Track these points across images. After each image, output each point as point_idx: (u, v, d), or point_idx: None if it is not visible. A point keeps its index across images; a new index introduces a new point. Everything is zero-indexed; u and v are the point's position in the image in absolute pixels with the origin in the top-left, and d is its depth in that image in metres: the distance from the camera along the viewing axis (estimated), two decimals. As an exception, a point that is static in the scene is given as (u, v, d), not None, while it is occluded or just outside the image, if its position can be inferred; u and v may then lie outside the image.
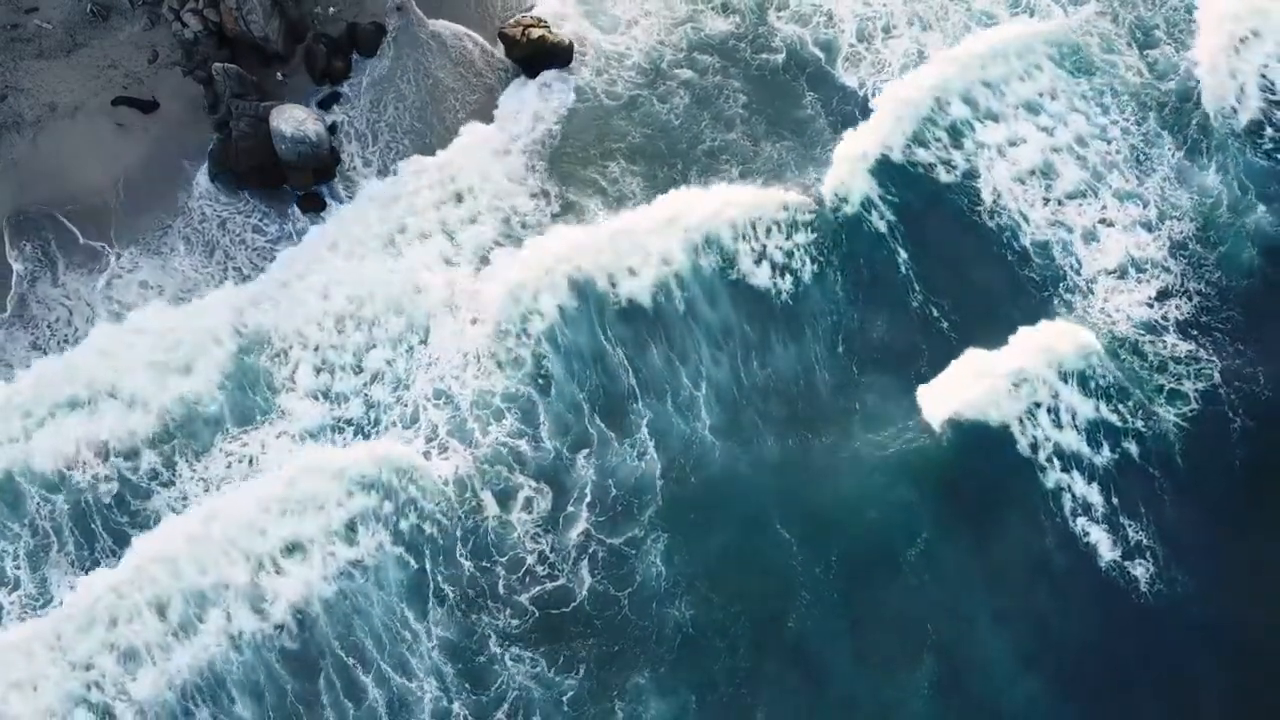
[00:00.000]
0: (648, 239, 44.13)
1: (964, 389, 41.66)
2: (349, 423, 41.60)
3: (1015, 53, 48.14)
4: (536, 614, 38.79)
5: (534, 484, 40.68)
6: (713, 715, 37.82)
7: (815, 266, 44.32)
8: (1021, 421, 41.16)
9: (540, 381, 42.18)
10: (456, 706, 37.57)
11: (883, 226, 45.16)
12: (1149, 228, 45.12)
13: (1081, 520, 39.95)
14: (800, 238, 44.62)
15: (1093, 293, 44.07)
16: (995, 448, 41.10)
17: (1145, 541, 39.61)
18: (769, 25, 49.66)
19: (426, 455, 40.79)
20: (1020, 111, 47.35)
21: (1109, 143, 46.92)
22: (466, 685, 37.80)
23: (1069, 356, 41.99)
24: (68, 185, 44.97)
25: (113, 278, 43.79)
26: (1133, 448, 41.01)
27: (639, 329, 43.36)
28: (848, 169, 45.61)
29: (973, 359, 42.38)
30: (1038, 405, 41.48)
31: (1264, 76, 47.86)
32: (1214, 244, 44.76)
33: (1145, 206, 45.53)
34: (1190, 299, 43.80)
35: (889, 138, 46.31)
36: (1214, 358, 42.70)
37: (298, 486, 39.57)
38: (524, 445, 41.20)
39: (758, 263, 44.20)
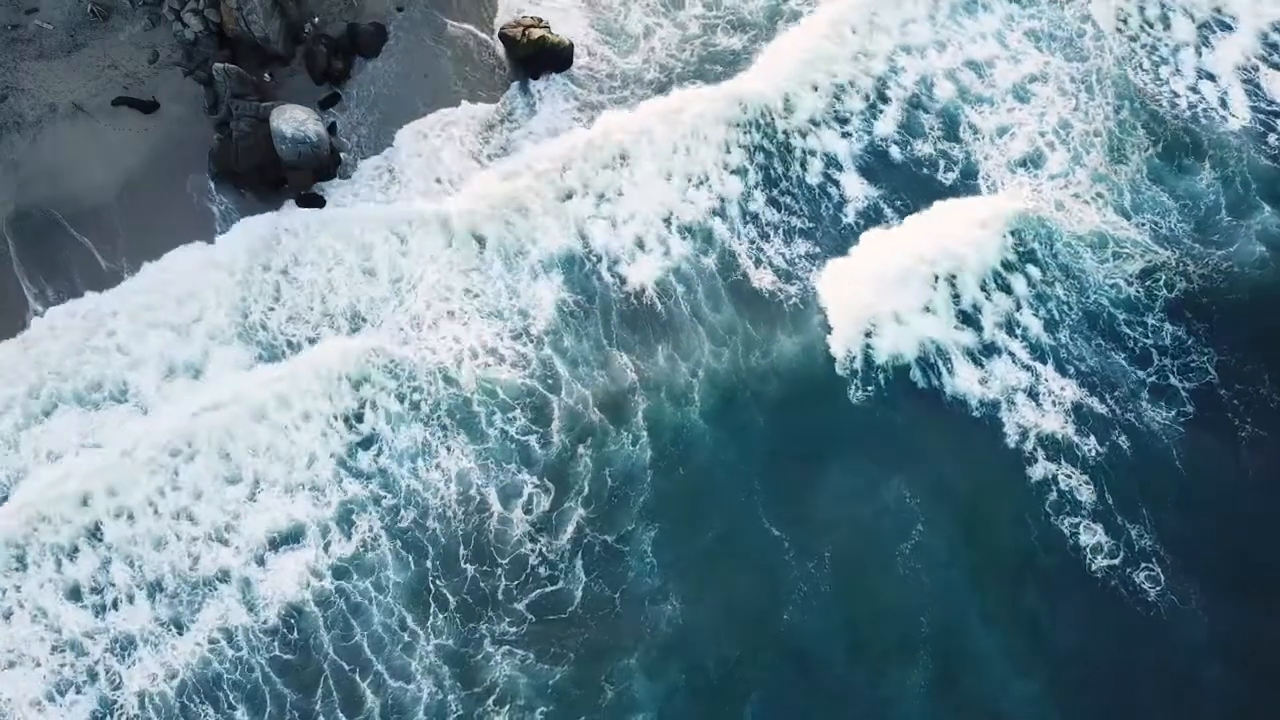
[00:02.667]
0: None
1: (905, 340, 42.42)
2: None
3: None
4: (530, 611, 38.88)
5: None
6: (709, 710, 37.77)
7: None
8: (1008, 404, 41.48)
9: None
10: (452, 702, 37.45)
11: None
12: (1124, 213, 45.36)
13: (1067, 518, 39.90)
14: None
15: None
16: (984, 440, 41.27)
17: (1147, 544, 39.54)
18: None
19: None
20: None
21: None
22: (460, 684, 37.63)
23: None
24: (68, 186, 44.96)
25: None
26: (1122, 440, 41.17)
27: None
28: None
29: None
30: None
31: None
32: (1209, 240, 44.98)
33: (1121, 195, 45.75)
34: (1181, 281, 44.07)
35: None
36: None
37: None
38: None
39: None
